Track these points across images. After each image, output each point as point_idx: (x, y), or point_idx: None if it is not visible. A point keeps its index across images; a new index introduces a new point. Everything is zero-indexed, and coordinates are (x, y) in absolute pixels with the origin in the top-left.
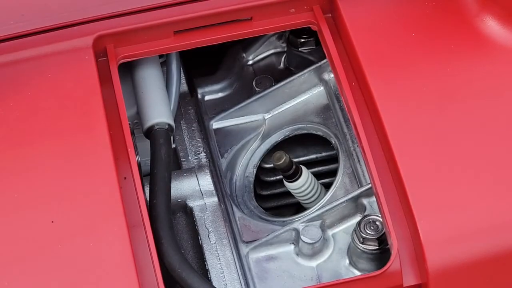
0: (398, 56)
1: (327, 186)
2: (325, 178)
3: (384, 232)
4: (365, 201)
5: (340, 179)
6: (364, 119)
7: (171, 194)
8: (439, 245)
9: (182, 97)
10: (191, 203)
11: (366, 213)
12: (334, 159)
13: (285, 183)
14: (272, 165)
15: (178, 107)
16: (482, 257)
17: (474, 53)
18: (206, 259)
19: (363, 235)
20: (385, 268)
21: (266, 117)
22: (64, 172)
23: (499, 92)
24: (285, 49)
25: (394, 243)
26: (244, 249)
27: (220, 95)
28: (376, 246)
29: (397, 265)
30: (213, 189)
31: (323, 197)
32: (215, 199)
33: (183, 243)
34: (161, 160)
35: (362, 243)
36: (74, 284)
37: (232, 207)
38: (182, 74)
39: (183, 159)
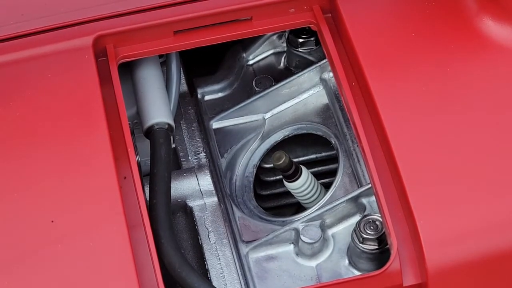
0: (397, 56)
1: (327, 186)
2: (325, 178)
3: (384, 232)
4: (364, 201)
5: (340, 179)
6: (364, 119)
7: (171, 194)
8: (438, 245)
9: (182, 97)
10: (191, 203)
11: (366, 213)
12: (334, 159)
13: (285, 183)
14: (272, 165)
15: (178, 107)
16: (481, 257)
17: (473, 53)
18: (206, 259)
19: (363, 235)
20: (384, 268)
21: (266, 117)
22: (64, 171)
23: (499, 92)
24: (285, 49)
25: (393, 243)
26: (244, 249)
27: (220, 95)
28: (375, 246)
29: (396, 265)
30: (213, 189)
31: (323, 197)
32: (215, 199)
33: (183, 243)
34: (161, 160)
35: (362, 242)
36: (74, 284)
37: (232, 207)
38: (182, 74)
39: (183, 159)
